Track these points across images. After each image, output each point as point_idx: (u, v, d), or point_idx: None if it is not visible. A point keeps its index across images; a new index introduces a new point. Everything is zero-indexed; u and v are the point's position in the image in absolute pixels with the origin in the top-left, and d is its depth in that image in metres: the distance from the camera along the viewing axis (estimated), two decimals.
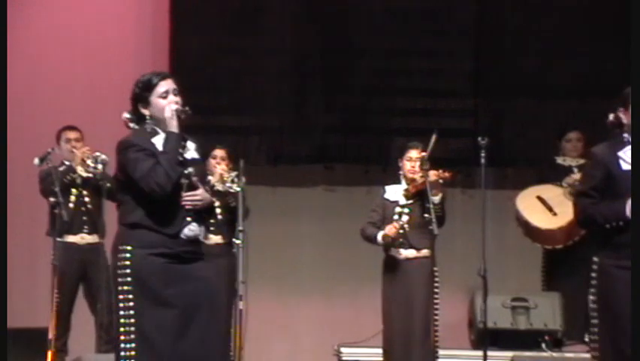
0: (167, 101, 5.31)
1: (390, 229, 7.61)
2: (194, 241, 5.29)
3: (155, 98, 5.33)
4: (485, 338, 7.47)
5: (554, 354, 7.95)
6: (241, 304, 7.11)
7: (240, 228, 7.33)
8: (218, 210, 8.27)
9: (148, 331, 5.11)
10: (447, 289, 7.80)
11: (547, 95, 9.48)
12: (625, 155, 5.49)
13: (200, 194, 5.28)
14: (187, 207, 5.21)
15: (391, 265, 7.73)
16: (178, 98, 5.35)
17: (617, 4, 9.47)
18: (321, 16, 9.72)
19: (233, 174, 7.97)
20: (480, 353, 7.34)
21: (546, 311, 8.25)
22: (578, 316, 8.19)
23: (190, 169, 5.30)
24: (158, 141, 5.30)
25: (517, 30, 9.65)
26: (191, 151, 5.40)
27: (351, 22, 9.74)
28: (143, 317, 5.12)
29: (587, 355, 7.65)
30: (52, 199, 7.79)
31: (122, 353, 5.15)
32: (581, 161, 8.65)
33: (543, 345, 8.12)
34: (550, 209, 8.53)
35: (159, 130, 5.33)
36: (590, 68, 9.52)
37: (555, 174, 8.65)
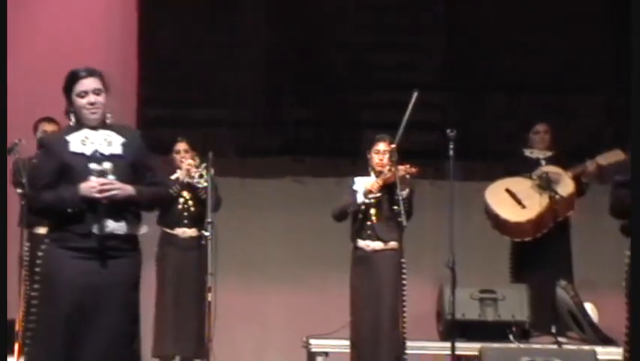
0: (85, 101, 5.18)
1: (372, 184, 7.59)
2: (111, 237, 5.15)
3: (74, 95, 5.22)
4: (453, 329, 7.50)
5: (521, 345, 7.90)
6: (209, 296, 6.97)
7: (209, 220, 7.19)
8: (190, 203, 8.33)
9: (42, 325, 5.11)
10: (415, 281, 7.78)
11: (516, 89, 9.46)
12: None
13: (113, 187, 5.10)
14: (102, 200, 5.06)
15: (359, 257, 7.71)
16: (99, 98, 5.21)
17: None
18: (294, 10, 9.64)
19: (202, 167, 7.93)
20: (448, 344, 7.35)
21: (514, 303, 8.20)
22: (545, 307, 8.25)
23: (107, 165, 5.13)
24: (76, 139, 5.20)
25: (488, 24, 9.58)
26: (114, 147, 5.24)
27: (324, 15, 9.67)
28: (42, 309, 5.11)
29: (554, 346, 7.81)
30: (19, 190, 7.70)
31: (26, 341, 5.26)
32: (549, 153, 8.77)
33: (510, 336, 8.06)
34: (519, 202, 8.52)
35: (83, 125, 5.23)
36: (560, 63, 9.48)
37: (523, 167, 8.65)
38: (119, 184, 5.13)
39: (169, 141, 8.53)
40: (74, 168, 5.14)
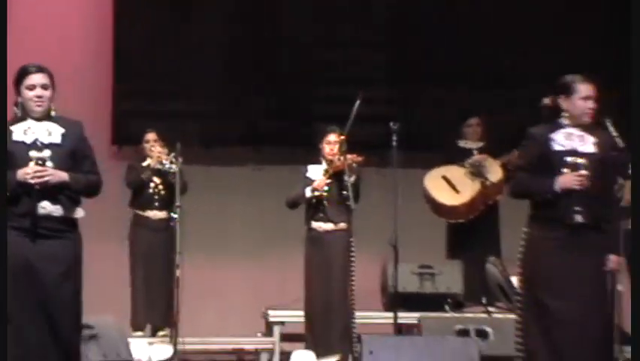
0: (33, 93, 5.28)
1: (317, 183, 7.79)
2: (47, 218, 5.21)
3: (23, 88, 5.31)
4: (396, 301, 7.62)
5: (456, 314, 8.06)
6: (178, 272, 7.18)
7: (178, 203, 7.41)
8: (160, 188, 8.53)
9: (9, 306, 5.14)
10: (362, 258, 7.88)
11: (453, 84, 9.52)
12: (556, 137, 5.65)
13: (45, 173, 5.17)
14: (35, 185, 5.15)
15: (313, 237, 7.85)
16: (46, 93, 5.31)
17: None
18: (253, 7, 9.70)
19: (171, 155, 8.06)
20: (391, 314, 7.51)
21: (449, 277, 8.41)
22: (476, 281, 8.43)
23: (45, 153, 5.23)
24: (19, 129, 5.28)
25: (428, 22, 9.67)
26: (53, 136, 5.30)
27: (282, 13, 9.75)
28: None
29: (484, 315, 8.00)
30: None
31: None
32: (480, 144, 8.92)
33: (446, 307, 8.26)
34: (453, 187, 8.72)
35: (27, 117, 5.32)
36: (496, 58, 9.57)
37: (458, 156, 8.80)
38: (52, 171, 5.18)
39: (140, 132, 8.64)
40: (15, 155, 5.20)
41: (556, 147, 5.64)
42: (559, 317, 5.54)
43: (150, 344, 7.77)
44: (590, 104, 5.70)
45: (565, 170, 5.61)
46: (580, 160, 5.64)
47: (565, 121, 5.71)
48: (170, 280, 7.50)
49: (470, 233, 8.71)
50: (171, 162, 8.09)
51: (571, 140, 5.68)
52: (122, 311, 8.19)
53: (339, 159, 7.77)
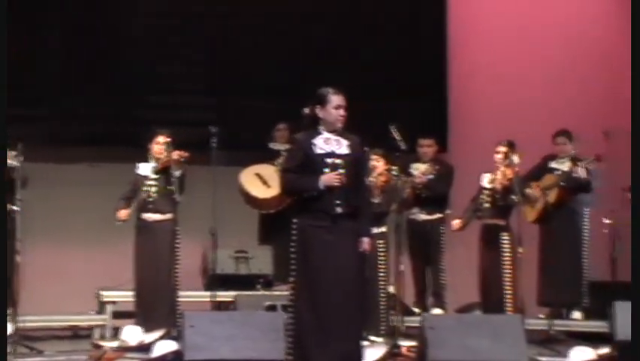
0: None
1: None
2: None
3: None
4: (215, 281, 7.70)
5: (266, 293, 8.10)
6: (18, 258, 6.97)
7: (18, 197, 7.17)
8: None
9: None
10: (186, 244, 7.85)
11: (265, 93, 9.49)
12: (317, 141, 5.79)
13: None
14: None
15: (142, 226, 7.76)
16: None
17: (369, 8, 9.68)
18: (96, 18, 9.46)
19: (13, 153, 7.71)
20: (210, 293, 7.58)
21: (261, 260, 8.42)
22: (284, 263, 8.23)
23: None
24: None
25: (247, 38, 9.62)
26: None
27: (117, 28, 9.53)
28: None
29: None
30: None
31: None
32: (287, 146, 8.85)
33: (258, 286, 8.26)
34: (265, 183, 8.70)
35: None
36: (297, 71, 9.47)
37: (269, 156, 8.80)
38: None
39: None
40: None
41: (318, 151, 5.80)
42: (323, 291, 5.69)
43: None
44: (342, 112, 5.87)
45: (326, 170, 5.77)
46: (338, 161, 5.80)
47: (322, 127, 5.85)
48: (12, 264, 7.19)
49: (279, 222, 8.54)
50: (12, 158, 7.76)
51: (329, 144, 5.85)
52: None
53: (165, 156, 7.71)
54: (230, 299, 7.79)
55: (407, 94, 9.48)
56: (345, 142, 5.84)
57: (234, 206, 8.59)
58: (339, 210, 5.72)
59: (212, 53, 9.65)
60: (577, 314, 8.32)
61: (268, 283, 8.31)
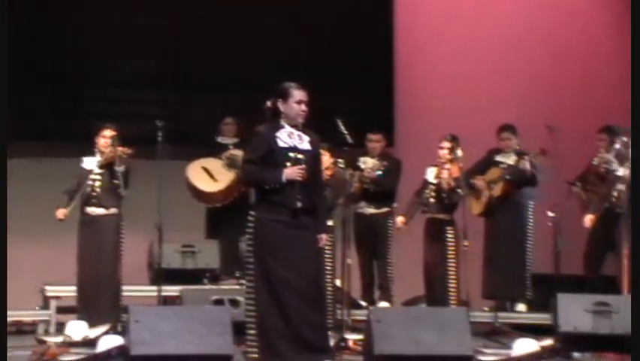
0: None
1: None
2: None
3: None
4: (161, 276, 7.63)
5: (213, 287, 8.07)
6: None
7: None
8: None
9: None
10: (132, 238, 7.80)
11: (213, 88, 9.47)
12: (280, 135, 5.79)
13: None
14: None
15: (86, 220, 7.71)
16: None
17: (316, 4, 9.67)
18: (46, 13, 9.35)
19: None
20: (156, 287, 7.51)
21: (208, 254, 8.38)
22: (231, 257, 8.43)
23: None
24: None
25: (192, 32, 9.58)
26: None
27: (64, 25, 9.45)
28: None
29: (237, 286, 7.95)
30: None
31: None
32: (235, 140, 8.89)
33: (205, 280, 8.22)
34: (212, 177, 8.68)
35: None
36: (246, 66, 9.51)
37: (216, 150, 8.78)
38: None
39: None
40: None
41: (281, 144, 5.80)
42: (285, 283, 5.71)
43: None
44: (303, 107, 5.88)
45: (288, 163, 5.77)
46: (300, 156, 5.81)
47: (283, 121, 5.84)
48: None
49: (226, 216, 8.68)
50: None
51: (292, 138, 5.84)
52: None
53: (110, 151, 7.65)
54: (176, 294, 7.70)
55: (354, 89, 9.51)
56: (306, 138, 5.87)
57: (181, 200, 8.55)
58: (299, 204, 5.73)
59: (160, 47, 9.59)
60: (521, 307, 8.41)
61: (215, 278, 8.28)
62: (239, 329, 6.17)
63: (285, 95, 5.83)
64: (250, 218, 5.81)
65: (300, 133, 5.86)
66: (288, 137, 5.81)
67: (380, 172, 8.46)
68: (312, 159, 5.86)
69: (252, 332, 5.78)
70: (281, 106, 5.83)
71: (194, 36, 9.60)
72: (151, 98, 9.44)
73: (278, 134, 5.79)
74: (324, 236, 5.90)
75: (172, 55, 9.57)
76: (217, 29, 9.62)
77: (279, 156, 5.75)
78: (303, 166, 5.75)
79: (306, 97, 5.87)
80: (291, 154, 5.79)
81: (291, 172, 5.72)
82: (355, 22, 9.85)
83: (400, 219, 8.14)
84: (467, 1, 10.21)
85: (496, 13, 10.10)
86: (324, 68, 9.37)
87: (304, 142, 5.85)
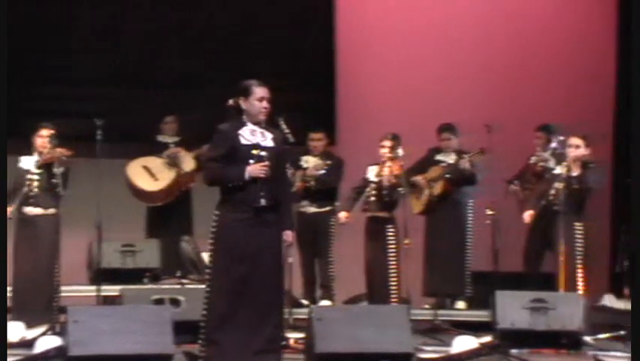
0: None
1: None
2: None
3: None
4: (100, 275, 7.54)
5: (153, 286, 8.01)
6: None
7: None
8: None
9: None
10: (71, 238, 7.73)
11: (153, 86, 9.41)
12: (243, 132, 5.77)
13: None
14: None
15: (23, 220, 7.60)
16: None
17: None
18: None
19: None
20: (95, 287, 7.43)
21: (148, 254, 8.31)
22: (172, 257, 8.45)
23: None
24: None
25: (131, 29, 9.50)
26: None
27: (9, 16, 9.12)
28: None
29: (178, 286, 8.00)
30: None
31: None
32: (176, 138, 8.88)
33: (145, 280, 8.17)
34: (153, 175, 8.66)
35: None
36: (189, 64, 9.48)
37: (157, 149, 8.77)
38: None
39: None
40: None
41: (243, 142, 5.77)
42: (241, 284, 5.68)
43: None
44: (265, 104, 5.86)
45: (251, 161, 5.73)
46: (263, 153, 5.78)
47: (246, 119, 5.82)
48: None
49: (167, 215, 8.70)
50: None
51: (254, 135, 5.81)
52: None
53: (48, 152, 7.56)
54: (116, 294, 7.53)
55: (296, 88, 9.52)
56: (269, 135, 5.86)
57: (121, 199, 8.50)
58: (262, 202, 5.72)
59: (99, 44, 9.50)
60: (461, 304, 8.50)
61: (155, 277, 8.24)
62: (180, 329, 6.18)
63: (246, 93, 5.82)
64: (213, 217, 5.80)
65: (263, 130, 5.85)
66: (251, 134, 5.79)
67: (323, 171, 8.50)
68: (276, 156, 5.83)
69: (202, 330, 5.77)
70: (243, 104, 5.82)
71: (133, 31, 9.53)
72: (89, 96, 9.32)
73: (240, 131, 5.77)
74: (290, 233, 5.90)
75: (111, 52, 9.49)
76: (155, 24, 9.56)
77: (242, 154, 5.73)
78: (267, 163, 5.74)
79: (268, 94, 5.86)
80: (254, 151, 5.77)
81: (254, 169, 5.70)
82: (296, 20, 9.87)
83: (343, 215, 8.18)
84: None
85: (437, 11, 10.18)
86: (265, 65, 9.36)
87: (267, 139, 5.84)
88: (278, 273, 5.83)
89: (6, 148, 4.87)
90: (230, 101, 5.86)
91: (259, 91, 5.83)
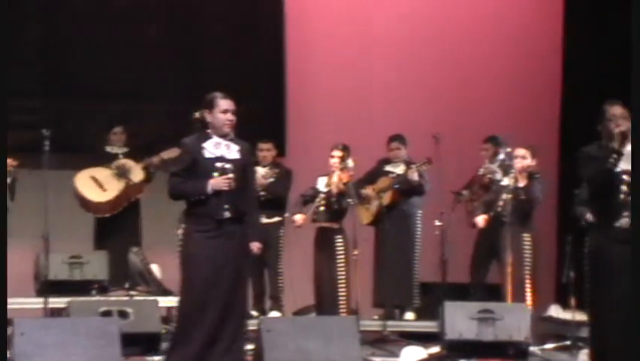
0: None
1: None
2: None
3: None
4: (47, 287, 7.47)
5: (101, 298, 7.85)
6: None
7: None
8: None
9: None
10: (18, 249, 7.55)
11: (101, 96, 9.34)
12: (207, 145, 5.81)
13: None
14: None
15: None
16: None
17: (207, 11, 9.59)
18: None
19: None
20: (42, 299, 7.36)
21: (96, 265, 8.18)
22: (120, 268, 8.36)
23: None
24: None
25: (79, 39, 9.41)
26: None
27: None
28: None
29: (126, 298, 7.91)
30: None
31: None
32: (125, 149, 8.78)
33: (93, 292, 8.05)
34: (100, 186, 8.58)
35: None
36: (134, 74, 9.43)
37: (105, 159, 8.68)
38: None
39: None
40: None
41: (207, 155, 5.80)
42: (204, 296, 5.74)
43: None
44: (230, 116, 5.91)
45: (215, 174, 5.77)
46: (227, 165, 5.82)
47: (211, 132, 5.86)
48: None
49: (115, 226, 8.63)
50: None
51: (219, 148, 5.86)
52: None
53: None
54: (63, 305, 7.49)
55: (244, 98, 9.42)
56: (235, 147, 5.88)
57: (68, 210, 8.44)
58: (226, 214, 5.75)
59: (46, 54, 9.42)
60: (409, 315, 8.56)
61: (103, 289, 8.15)
62: (128, 341, 6.17)
63: (210, 106, 5.85)
64: (179, 231, 6.00)
65: (228, 143, 5.87)
66: (215, 147, 5.82)
67: (272, 179, 8.52)
68: (241, 168, 5.86)
69: (171, 343, 5.86)
70: (207, 116, 5.84)
71: (81, 41, 9.46)
72: (36, 106, 9.24)
73: (204, 145, 5.80)
74: (256, 244, 5.96)
75: (57, 60, 9.40)
76: (104, 37, 9.49)
77: (206, 167, 5.77)
78: (230, 176, 5.76)
79: (232, 106, 5.90)
80: (218, 164, 5.80)
81: (217, 182, 5.73)
82: (245, 30, 9.88)
83: (299, 217, 8.13)
84: (358, 9, 10.32)
85: (385, 22, 10.25)
86: (213, 76, 9.35)
87: (232, 151, 5.87)
88: (237, 286, 5.84)
89: (6, 148, 4.83)
90: (196, 114, 5.90)
91: (223, 103, 5.88)
